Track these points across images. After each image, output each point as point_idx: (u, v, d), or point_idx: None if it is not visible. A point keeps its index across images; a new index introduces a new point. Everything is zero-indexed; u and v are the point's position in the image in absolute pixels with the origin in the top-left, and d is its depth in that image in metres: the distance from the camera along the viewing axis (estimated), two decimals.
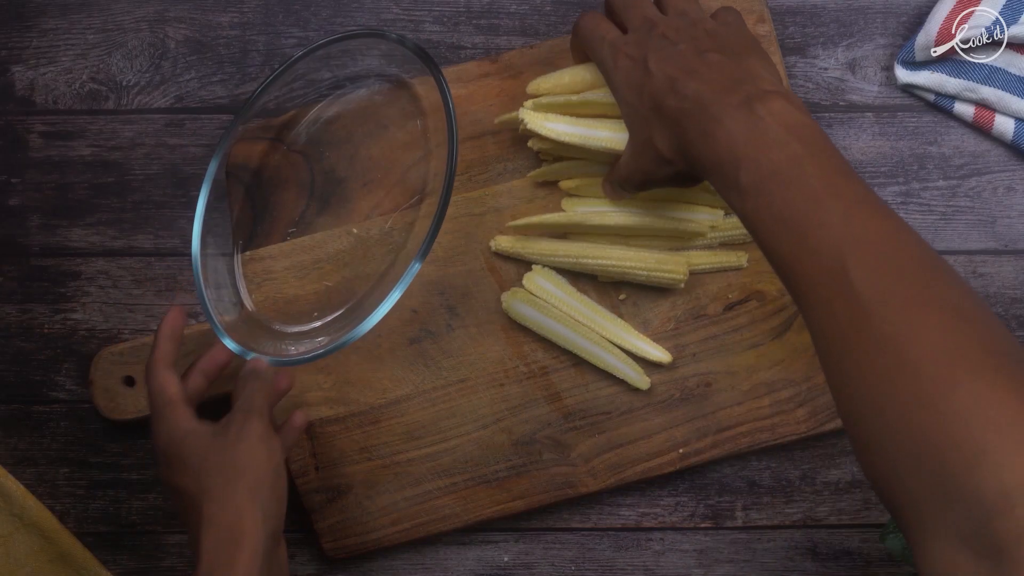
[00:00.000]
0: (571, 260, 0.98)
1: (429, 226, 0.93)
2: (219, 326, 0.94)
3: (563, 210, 1.00)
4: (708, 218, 0.98)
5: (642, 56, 0.85)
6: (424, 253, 0.93)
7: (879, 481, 0.68)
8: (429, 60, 0.94)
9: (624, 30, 0.89)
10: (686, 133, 0.82)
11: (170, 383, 0.91)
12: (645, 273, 0.97)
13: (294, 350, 0.96)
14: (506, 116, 0.98)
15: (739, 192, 0.77)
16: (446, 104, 0.94)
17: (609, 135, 0.94)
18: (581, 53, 0.94)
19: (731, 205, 0.79)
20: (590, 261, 0.97)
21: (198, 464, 0.87)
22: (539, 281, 0.99)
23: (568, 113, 0.95)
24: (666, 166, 0.86)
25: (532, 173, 1.00)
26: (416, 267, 0.93)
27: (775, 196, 0.75)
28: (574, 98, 0.94)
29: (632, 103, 0.86)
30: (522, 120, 0.95)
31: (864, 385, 0.69)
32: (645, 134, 0.86)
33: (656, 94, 0.84)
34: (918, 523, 0.65)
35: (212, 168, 0.96)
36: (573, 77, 0.95)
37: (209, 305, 0.95)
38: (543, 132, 0.94)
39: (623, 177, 0.92)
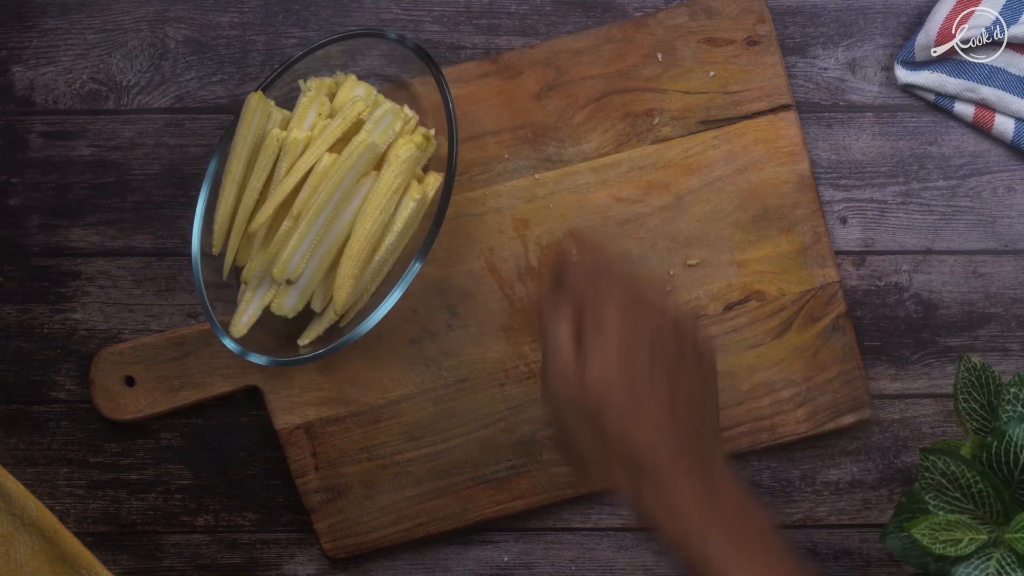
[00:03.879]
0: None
1: (429, 226, 0.93)
2: (219, 326, 0.94)
3: None
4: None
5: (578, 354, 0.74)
6: (424, 253, 0.93)
7: None
8: (429, 60, 0.94)
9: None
10: (640, 490, 0.75)
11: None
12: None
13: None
14: None
15: (705, 564, 0.73)
16: (446, 104, 0.94)
17: None
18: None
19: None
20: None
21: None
22: None
23: None
24: (602, 481, 0.77)
25: None
26: (416, 267, 0.93)
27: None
28: None
29: (562, 409, 0.76)
30: None
31: None
32: (580, 441, 0.76)
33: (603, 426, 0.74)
34: None
35: (212, 168, 0.96)
36: None
37: (209, 305, 0.95)
38: None
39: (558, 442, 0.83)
